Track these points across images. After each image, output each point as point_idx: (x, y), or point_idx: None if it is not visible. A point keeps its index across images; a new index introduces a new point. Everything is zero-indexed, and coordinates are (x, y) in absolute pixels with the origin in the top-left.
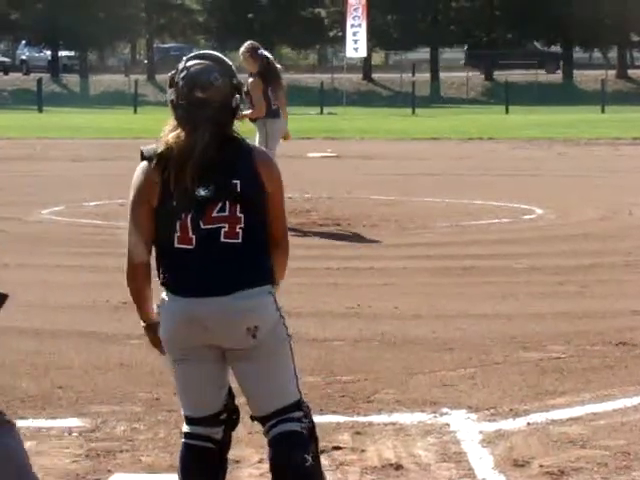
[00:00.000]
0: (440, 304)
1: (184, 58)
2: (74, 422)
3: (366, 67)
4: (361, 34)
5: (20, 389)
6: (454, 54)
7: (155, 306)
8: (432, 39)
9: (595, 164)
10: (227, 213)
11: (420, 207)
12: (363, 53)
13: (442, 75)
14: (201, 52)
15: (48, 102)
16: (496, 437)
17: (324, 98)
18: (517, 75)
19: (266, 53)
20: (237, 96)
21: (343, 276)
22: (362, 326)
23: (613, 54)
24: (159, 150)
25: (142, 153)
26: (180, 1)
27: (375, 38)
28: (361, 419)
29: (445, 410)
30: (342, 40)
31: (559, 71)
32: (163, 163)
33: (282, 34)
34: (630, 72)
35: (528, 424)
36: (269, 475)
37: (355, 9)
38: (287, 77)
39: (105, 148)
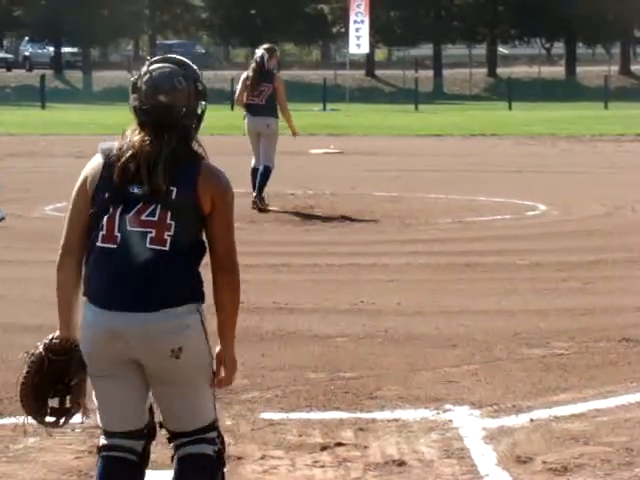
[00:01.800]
0: (443, 300)
1: (147, 62)
2: (77, 418)
3: (369, 63)
4: (364, 30)
5: None
6: (457, 50)
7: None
8: (435, 35)
9: (598, 160)
10: (156, 218)
11: (423, 203)
12: (366, 49)
13: (445, 71)
14: (165, 55)
15: (51, 98)
16: (499, 433)
17: (327, 94)
18: (520, 71)
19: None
20: (202, 102)
21: (346, 272)
22: (365, 322)
23: (616, 50)
24: (128, 153)
25: (100, 149)
26: None
27: (378, 34)
28: (364, 415)
29: (448, 406)
30: (345, 36)
31: None
32: (123, 164)
33: (285, 30)
34: (633, 68)
35: (531, 420)
36: (273, 471)
37: (358, 5)
38: (290, 73)
39: None
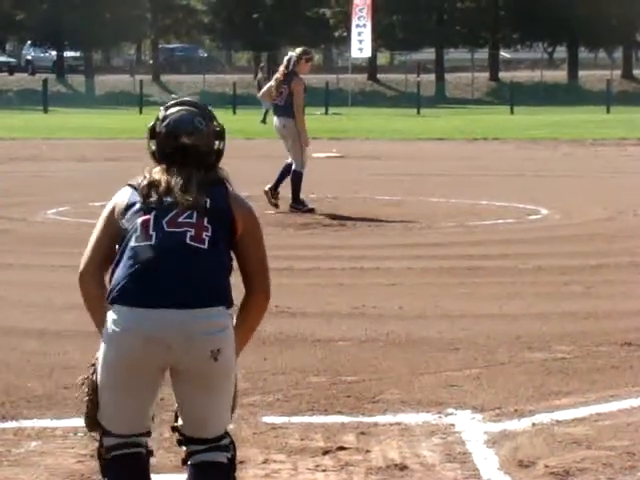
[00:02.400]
0: (445, 304)
1: (161, 108)
2: (79, 422)
3: (371, 67)
4: (366, 34)
5: (25, 389)
6: (459, 54)
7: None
8: (437, 39)
9: (600, 164)
10: (194, 220)
11: (425, 207)
12: (368, 53)
13: (447, 75)
14: (179, 99)
15: (53, 102)
16: (501, 437)
17: (329, 98)
18: (522, 75)
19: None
20: (217, 142)
21: (348, 276)
22: (367, 326)
23: (618, 54)
24: (154, 179)
25: (128, 183)
26: (185, 1)
27: (380, 38)
28: (366, 419)
29: (450, 410)
30: (347, 40)
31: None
32: (153, 186)
33: (287, 34)
34: (635, 72)
35: (533, 424)
36: (275, 475)
37: (360, 9)
38: None
39: (110, 148)
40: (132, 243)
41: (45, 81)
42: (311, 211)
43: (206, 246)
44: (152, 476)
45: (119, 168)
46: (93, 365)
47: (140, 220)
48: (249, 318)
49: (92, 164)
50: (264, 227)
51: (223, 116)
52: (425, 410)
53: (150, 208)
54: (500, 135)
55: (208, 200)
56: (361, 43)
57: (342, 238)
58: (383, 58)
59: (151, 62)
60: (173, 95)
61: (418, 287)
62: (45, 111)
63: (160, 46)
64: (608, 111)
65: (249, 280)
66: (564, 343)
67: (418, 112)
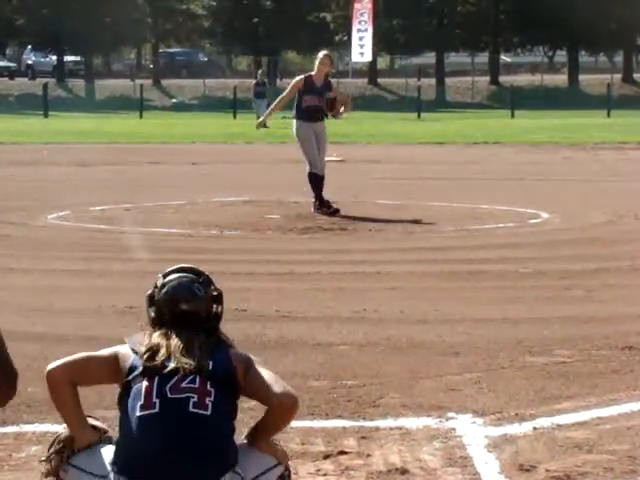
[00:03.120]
0: (446, 308)
1: (159, 275)
2: None
3: (372, 71)
4: (367, 39)
5: (26, 394)
6: (460, 58)
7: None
8: (438, 43)
9: (601, 168)
10: (197, 385)
11: (426, 211)
12: (369, 57)
13: (447, 79)
14: (177, 266)
15: (54, 107)
16: (502, 442)
17: None
18: (523, 79)
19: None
20: (215, 306)
21: (349, 280)
22: (368, 330)
23: (619, 58)
24: (155, 343)
25: (130, 342)
26: (185, 6)
27: (381, 42)
28: (367, 423)
29: (451, 414)
30: (348, 44)
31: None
32: (148, 357)
33: (287, 39)
34: (636, 76)
35: (534, 429)
36: None
37: (361, 14)
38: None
39: (111, 153)
40: (138, 412)
41: (45, 85)
42: (337, 211)
43: (209, 412)
44: None
45: (119, 173)
46: (60, 442)
47: (143, 387)
48: (272, 419)
49: (93, 168)
50: (264, 231)
51: (223, 120)
52: (426, 414)
53: (152, 374)
54: (500, 139)
55: (211, 363)
56: (362, 47)
57: (343, 242)
58: (383, 62)
59: (151, 66)
60: (173, 100)
61: (419, 291)
62: (45, 116)
63: (160, 50)
64: (608, 115)
65: (266, 397)
66: (565, 347)
67: (419, 116)
